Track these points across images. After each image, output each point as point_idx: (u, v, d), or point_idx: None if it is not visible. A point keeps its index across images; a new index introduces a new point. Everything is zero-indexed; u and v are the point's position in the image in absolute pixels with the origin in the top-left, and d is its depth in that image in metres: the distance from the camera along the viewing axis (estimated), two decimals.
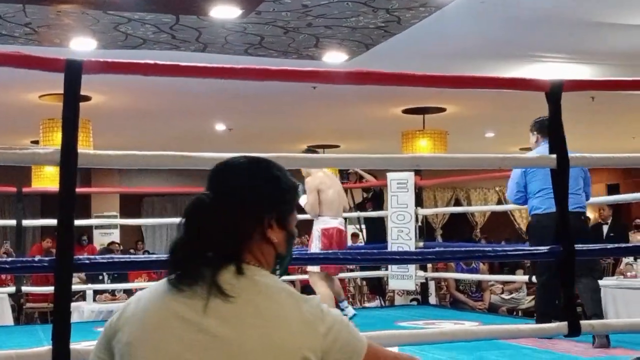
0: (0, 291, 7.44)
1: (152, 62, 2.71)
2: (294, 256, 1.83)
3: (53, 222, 7.40)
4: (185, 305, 1.50)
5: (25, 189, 7.63)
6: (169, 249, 1.58)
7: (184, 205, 1.62)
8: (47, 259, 2.58)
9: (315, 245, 5.81)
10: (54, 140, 8.52)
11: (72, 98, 2.54)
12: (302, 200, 5.80)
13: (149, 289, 1.60)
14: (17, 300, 8.91)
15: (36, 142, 9.56)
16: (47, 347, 2.47)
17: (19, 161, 2.60)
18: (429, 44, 7.02)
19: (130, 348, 1.50)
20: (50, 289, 8.04)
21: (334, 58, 7.34)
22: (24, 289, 7.22)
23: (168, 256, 1.57)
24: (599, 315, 4.73)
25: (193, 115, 10.23)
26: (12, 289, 7.38)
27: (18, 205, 7.28)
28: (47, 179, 9.54)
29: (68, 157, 2.47)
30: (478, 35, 6.86)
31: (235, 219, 1.56)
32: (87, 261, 2.67)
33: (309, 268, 5.88)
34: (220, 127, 11.29)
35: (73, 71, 2.53)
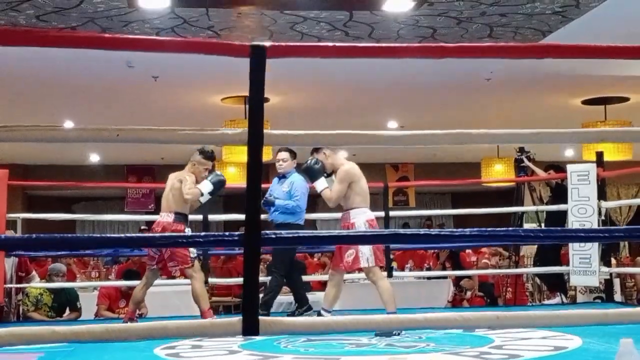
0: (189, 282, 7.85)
1: (331, 44, 2.79)
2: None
3: (235, 216, 7.68)
4: None
5: None
6: None
7: None
8: (236, 233, 2.72)
9: None
10: None
11: (258, 81, 2.66)
12: (321, 185, 5.35)
13: None
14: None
15: None
16: (237, 318, 2.61)
17: (209, 141, 2.78)
18: (609, 29, 6.72)
19: None
20: (235, 280, 8.45)
21: None
22: (211, 280, 7.57)
23: None
24: None
25: (366, 112, 10.37)
26: None
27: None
28: (229, 179, 10.05)
29: (255, 136, 2.60)
30: None
31: None
32: (273, 235, 2.78)
33: (364, 264, 5.17)
34: (392, 124, 11.36)
35: (258, 55, 2.65)
